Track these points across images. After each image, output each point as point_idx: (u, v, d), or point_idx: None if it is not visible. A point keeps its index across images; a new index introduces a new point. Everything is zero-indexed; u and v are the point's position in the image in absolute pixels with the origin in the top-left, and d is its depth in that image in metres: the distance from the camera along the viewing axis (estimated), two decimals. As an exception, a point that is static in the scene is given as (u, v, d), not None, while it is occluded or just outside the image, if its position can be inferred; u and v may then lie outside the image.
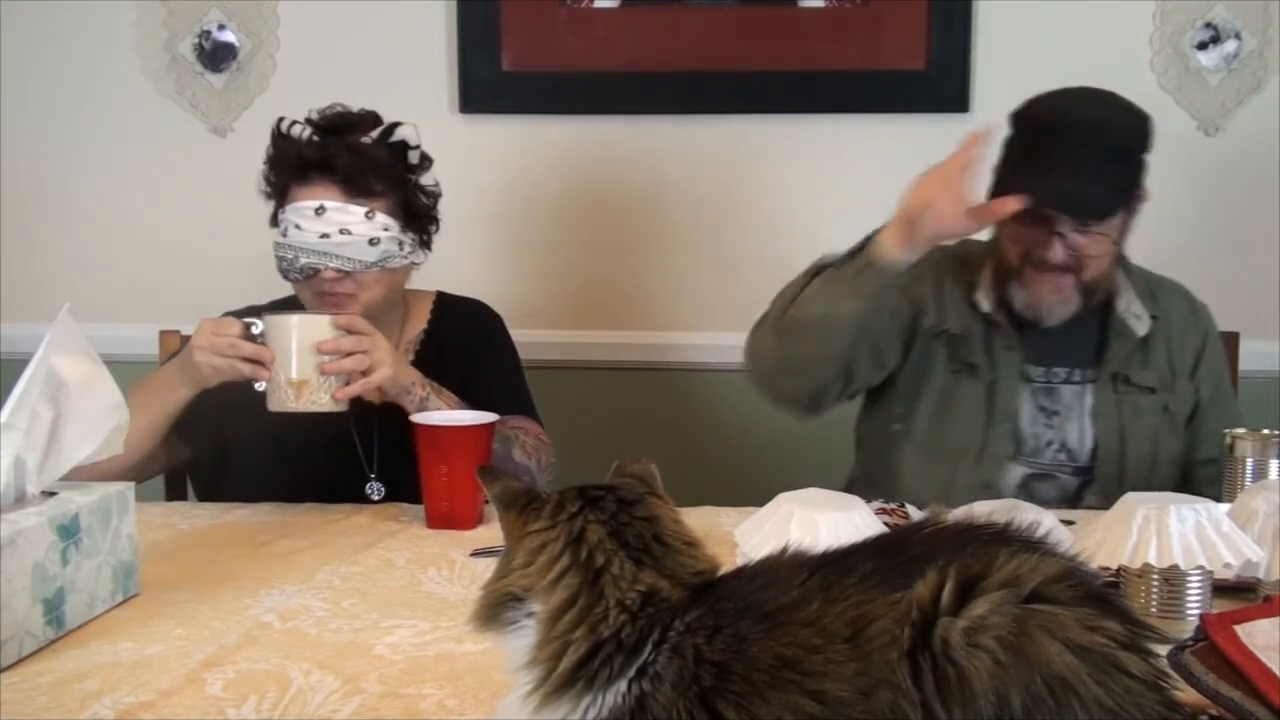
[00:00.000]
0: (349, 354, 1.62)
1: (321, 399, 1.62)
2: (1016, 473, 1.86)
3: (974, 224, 1.62)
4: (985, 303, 1.86)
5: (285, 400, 1.61)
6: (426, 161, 1.83)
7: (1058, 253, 1.75)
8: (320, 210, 1.71)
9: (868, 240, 1.67)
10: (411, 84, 2.46)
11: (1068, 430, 1.86)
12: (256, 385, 1.62)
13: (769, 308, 1.80)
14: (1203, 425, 1.90)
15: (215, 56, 2.53)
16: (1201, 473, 1.90)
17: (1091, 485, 1.85)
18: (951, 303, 1.88)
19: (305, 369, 1.61)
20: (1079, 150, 1.73)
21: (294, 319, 1.63)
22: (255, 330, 1.63)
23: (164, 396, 1.70)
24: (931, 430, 1.86)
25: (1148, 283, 1.92)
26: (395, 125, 1.79)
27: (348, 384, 1.63)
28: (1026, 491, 1.84)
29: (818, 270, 1.73)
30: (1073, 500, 1.84)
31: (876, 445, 1.94)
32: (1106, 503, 1.79)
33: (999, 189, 1.76)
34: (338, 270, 1.72)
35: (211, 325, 1.63)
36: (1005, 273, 1.82)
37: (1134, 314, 1.86)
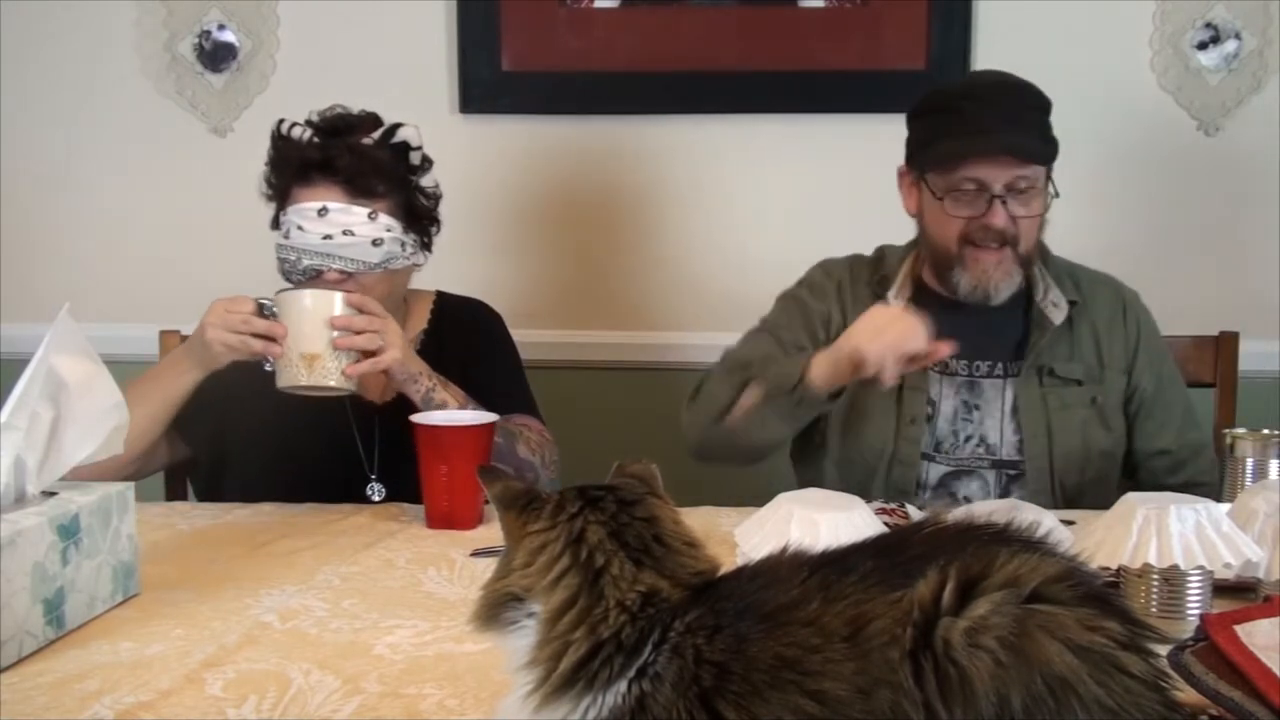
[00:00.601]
0: (361, 332, 1.63)
1: (332, 375, 1.62)
2: (935, 471, 1.85)
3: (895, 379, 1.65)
4: (897, 303, 1.85)
5: (296, 375, 1.61)
6: (427, 163, 1.83)
7: (1000, 216, 1.75)
8: (323, 211, 1.70)
9: (800, 367, 1.69)
10: (411, 84, 2.46)
11: (986, 425, 1.84)
12: (266, 365, 1.63)
13: (698, 392, 1.86)
14: (1150, 417, 1.89)
15: (215, 56, 2.53)
16: (1153, 464, 1.89)
17: (1018, 480, 1.84)
18: (857, 313, 1.87)
19: (318, 343, 1.62)
20: (1006, 107, 1.76)
21: (308, 293, 1.65)
22: (267, 312, 1.63)
23: (169, 383, 1.70)
24: (845, 440, 1.87)
25: (1070, 273, 1.91)
26: (397, 126, 1.79)
27: (358, 363, 1.63)
28: (946, 489, 1.84)
29: (743, 374, 1.76)
30: (1001, 497, 1.84)
31: (805, 462, 1.95)
32: (1037, 499, 1.80)
33: (936, 162, 1.77)
34: (341, 272, 1.72)
35: (224, 303, 1.64)
36: (944, 262, 1.82)
37: (1052, 302, 1.85)
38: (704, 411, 1.82)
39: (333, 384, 1.63)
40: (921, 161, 1.82)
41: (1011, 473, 1.85)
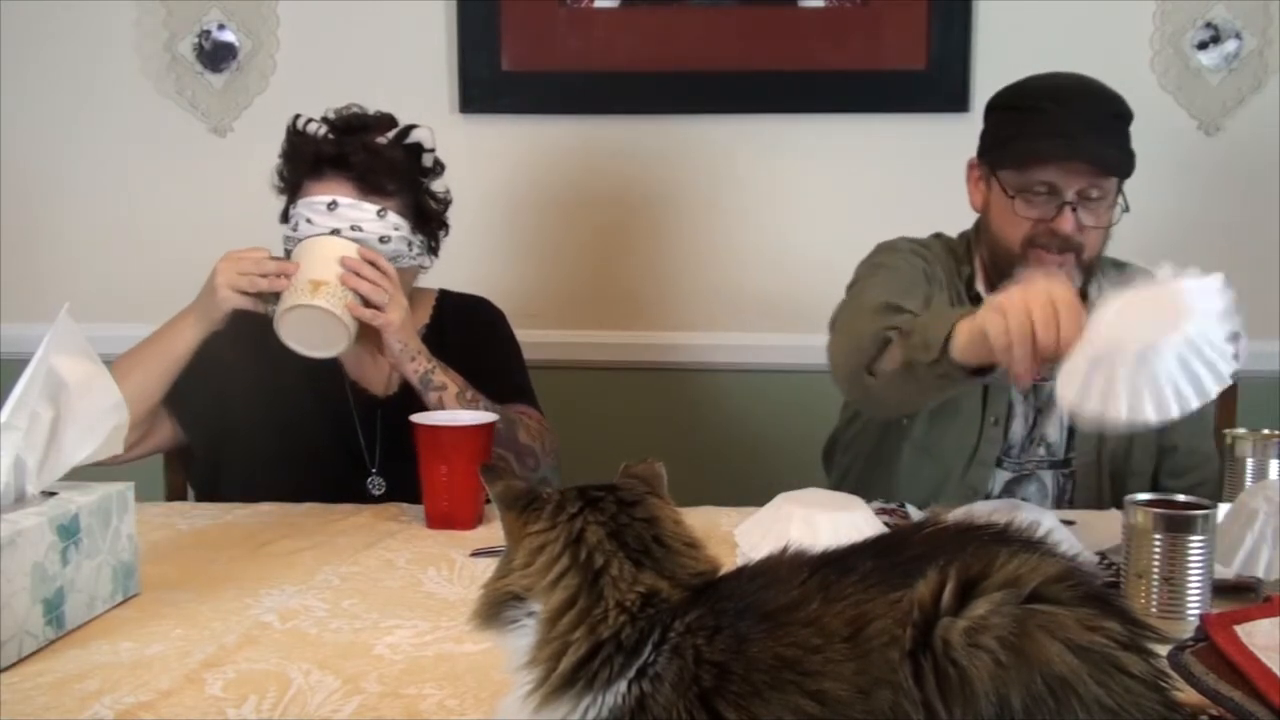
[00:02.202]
0: (369, 281, 1.66)
1: (336, 304, 1.64)
2: (1000, 478, 1.84)
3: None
4: (985, 297, 1.82)
5: (300, 296, 1.64)
6: (439, 166, 1.83)
7: (1069, 222, 1.72)
8: (333, 205, 1.71)
9: (944, 334, 1.44)
10: (411, 84, 2.46)
11: (1048, 426, 1.84)
12: (269, 308, 1.66)
13: (837, 326, 1.72)
14: None
15: (215, 56, 2.53)
16: (1159, 460, 1.87)
17: (1069, 478, 1.84)
18: (956, 298, 1.85)
19: (327, 273, 1.65)
20: (1090, 113, 1.72)
21: (325, 235, 1.70)
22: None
23: (171, 341, 1.72)
24: (930, 429, 1.84)
25: (1116, 268, 1.89)
26: (411, 127, 1.80)
27: (361, 308, 1.66)
28: (1008, 493, 1.83)
29: (888, 321, 1.56)
30: (1055, 500, 1.84)
31: (872, 441, 1.92)
32: (1084, 495, 1.79)
33: (1012, 160, 1.74)
34: None
35: (236, 251, 1.68)
36: (1005, 260, 1.78)
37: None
38: (848, 356, 1.64)
39: (336, 313, 1.64)
40: (996, 157, 1.78)
41: (1066, 471, 1.85)
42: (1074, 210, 1.72)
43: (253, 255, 1.67)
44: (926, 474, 1.83)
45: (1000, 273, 1.80)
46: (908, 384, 1.51)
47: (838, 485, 1.97)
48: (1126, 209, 1.77)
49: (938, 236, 1.92)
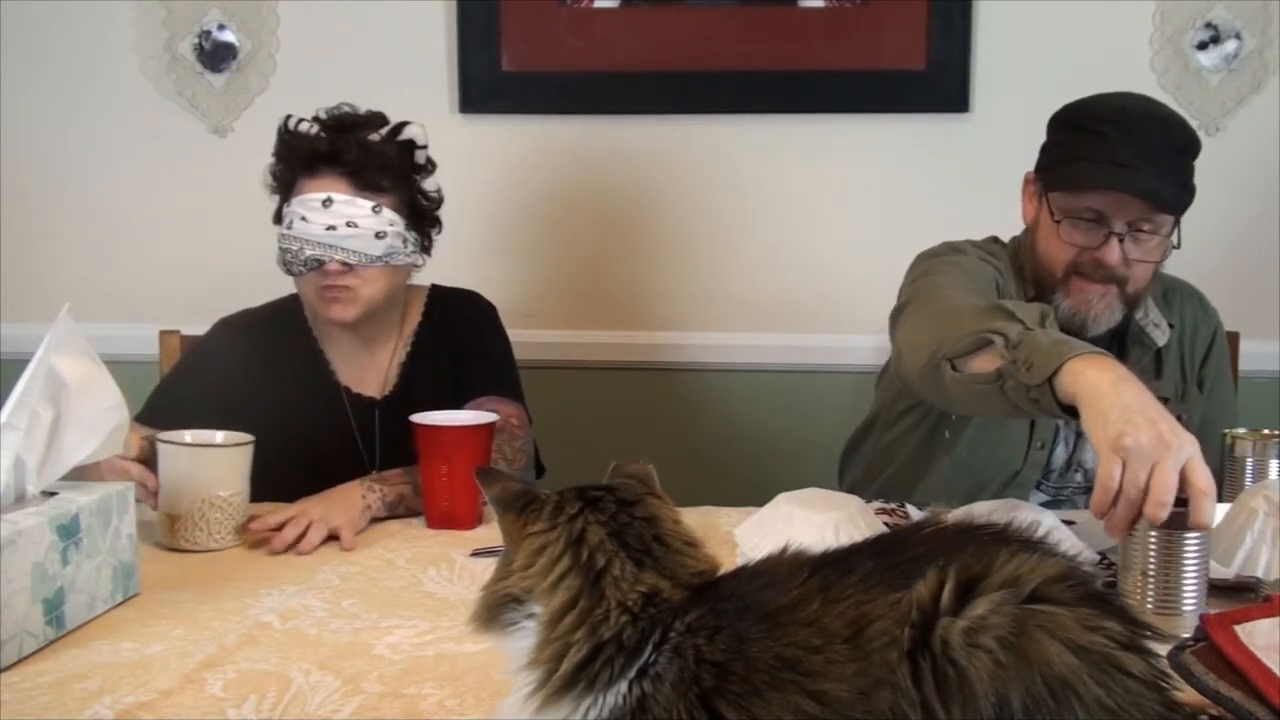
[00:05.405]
0: (299, 530, 1.51)
1: (199, 537, 1.48)
2: (1035, 499, 1.81)
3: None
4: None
5: (163, 532, 1.49)
6: (431, 164, 1.84)
7: (1114, 253, 1.67)
8: (328, 202, 1.71)
9: (1058, 362, 1.31)
10: (411, 84, 2.46)
11: (1086, 452, 1.80)
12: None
13: (928, 310, 1.62)
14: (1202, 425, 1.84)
15: (215, 56, 2.53)
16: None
17: None
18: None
19: (178, 503, 1.48)
20: (1151, 143, 1.67)
21: (167, 447, 1.50)
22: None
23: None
24: (975, 445, 1.80)
25: (1161, 285, 1.86)
26: (403, 124, 1.80)
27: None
28: None
29: (993, 324, 1.41)
30: None
31: (911, 449, 1.88)
32: None
33: (1063, 183, 1.70)
34: (342, 263, 1.73)
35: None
36: (1047, 282, 1.74)
37: (1153, 323, 1.81)
38: (932, 342, 1.50)
39: (200, 549, 1.48)
40: (1048, 177, 1.74)
41: None
42: (1121, 241, 1.68)
43: (124, 455, 1.48)
44: (962, 488, 1.77)
45: (1040, 292, 1.75)
46: (990, 394, 1.39)
47: (857, 484, 1.93)
48: (1178, 245, 1.71)
49: (996, 240, 1.87)
